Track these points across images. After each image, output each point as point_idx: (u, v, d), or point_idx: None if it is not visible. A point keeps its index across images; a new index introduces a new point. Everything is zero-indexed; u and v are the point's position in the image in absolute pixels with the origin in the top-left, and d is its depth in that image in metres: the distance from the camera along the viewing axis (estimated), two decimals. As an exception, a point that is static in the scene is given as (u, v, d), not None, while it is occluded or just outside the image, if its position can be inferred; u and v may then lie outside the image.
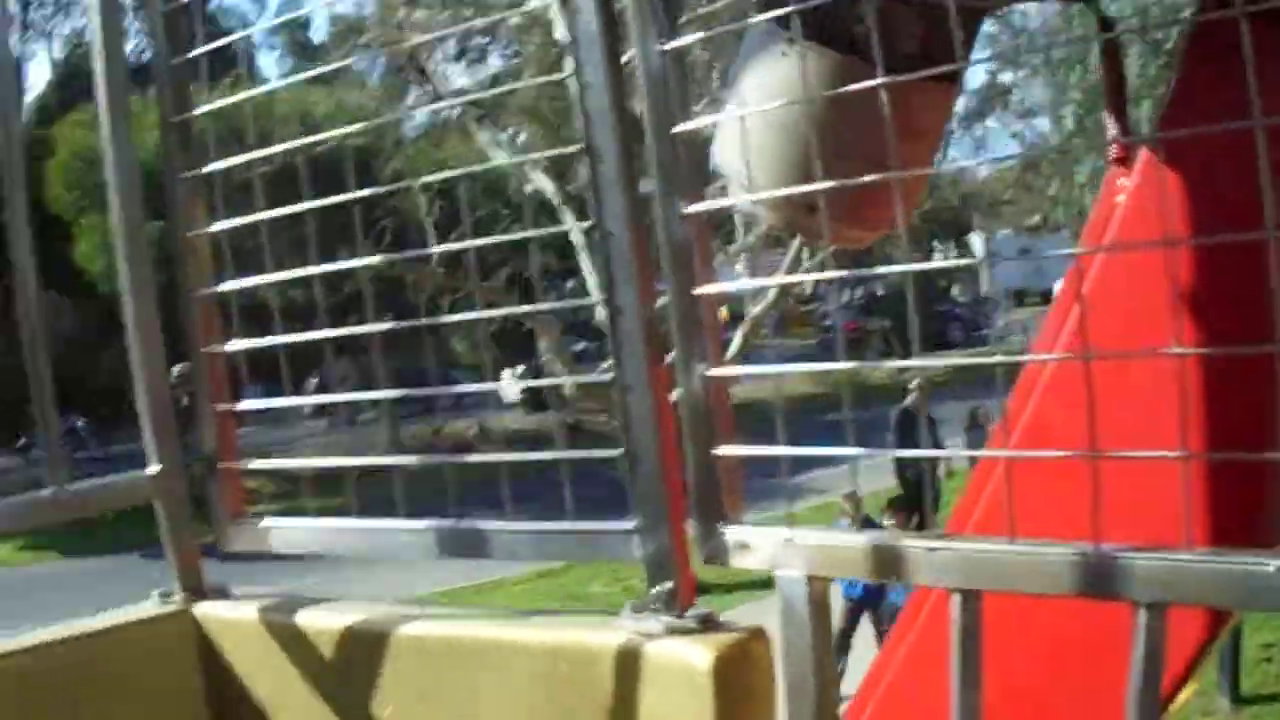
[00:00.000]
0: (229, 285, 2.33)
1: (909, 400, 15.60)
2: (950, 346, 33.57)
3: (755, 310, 14.80)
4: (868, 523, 10.68)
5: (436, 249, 2.86)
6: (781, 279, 14.80)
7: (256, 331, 2.32)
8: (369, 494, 2.25)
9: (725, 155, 2.17)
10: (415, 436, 30.71)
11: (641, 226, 1.80)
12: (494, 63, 18.73)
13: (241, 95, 2.40)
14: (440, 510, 2.07)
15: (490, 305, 16.87)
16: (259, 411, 2.45)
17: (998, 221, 32.89)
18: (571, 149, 1.89)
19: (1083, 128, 13.69)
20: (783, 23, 1.94)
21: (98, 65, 2.33)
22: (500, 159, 16.00)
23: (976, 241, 36.27)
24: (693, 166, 1.82)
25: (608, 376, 1.84)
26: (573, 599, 15.55)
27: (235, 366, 2.36)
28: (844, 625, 10.42)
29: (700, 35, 2.34)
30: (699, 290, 1.78)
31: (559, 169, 16.27)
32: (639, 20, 1.78)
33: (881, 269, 1.93)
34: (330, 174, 2.29)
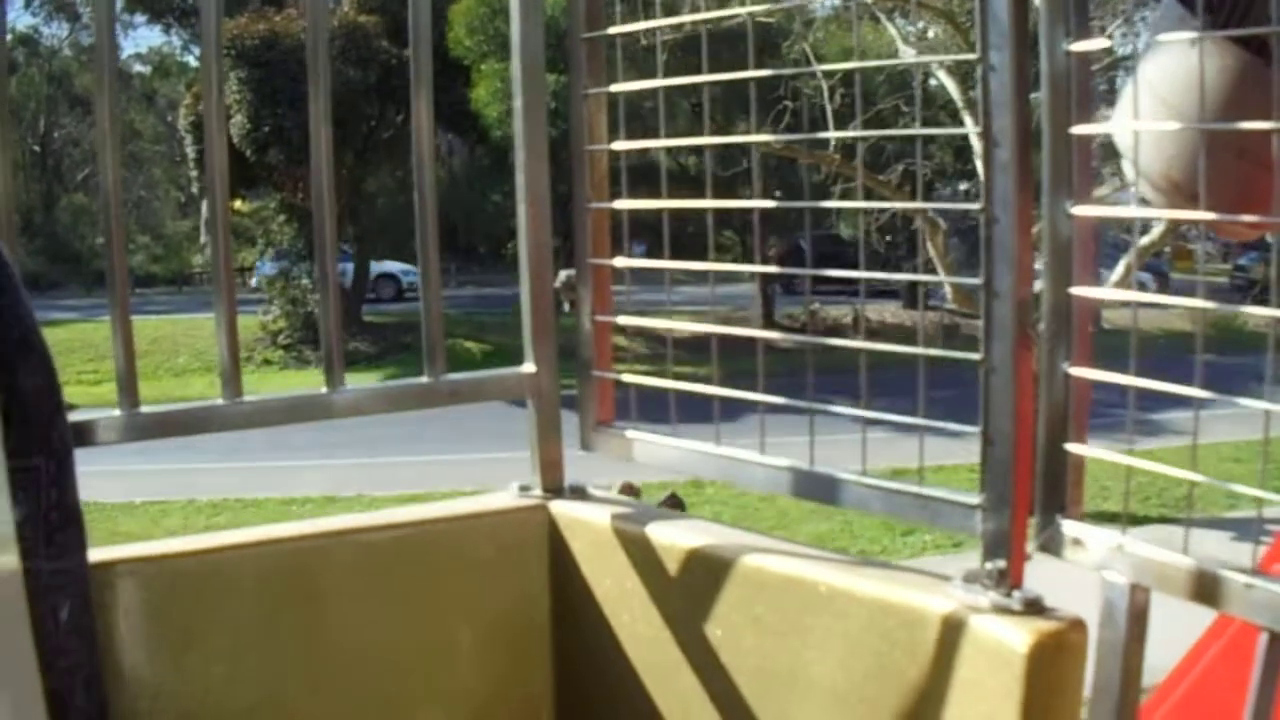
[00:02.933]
0: (624, 204, 2.44)
1: None
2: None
3: (1143, 240, 14.25)
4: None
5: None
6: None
7: (645, 192, 2.42)
8: (737, 365, 2.33)
9: (1121, 132, 2.17)
10: (790, 317, 30.99)
11: (1028, 213, 1.84)
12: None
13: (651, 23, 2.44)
14: (800, 393, 2.15)
15: (879, 199, 16.86)
16: (636, 271, 2.53)
17: None
18: (971, 129, 1.92)
19: None
20: (1195, 12, 1.93)
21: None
22: (906, 54, 15.78)
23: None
24: (1085, 165, 1.85)
25: (978, 281, 1.87)
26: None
27: (618, 224, 2.46)
28: None
29: (1107, 42, 2.32)
30: (1075, 290, 1.83)
31: (964, 71, 15.92)
32: (1048, 17, 1.80)
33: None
34: (735, 48, 2.34)
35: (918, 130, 2.20)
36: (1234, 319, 21.52)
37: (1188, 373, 1.78)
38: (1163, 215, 1.98)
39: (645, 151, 2.47)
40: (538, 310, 2.51)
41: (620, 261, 2.45)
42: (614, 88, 2.40)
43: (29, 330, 1.88)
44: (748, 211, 2.25)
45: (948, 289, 16.30)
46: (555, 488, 2.51)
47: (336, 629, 2.29)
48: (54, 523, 1.89)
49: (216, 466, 19.03)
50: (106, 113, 2.11)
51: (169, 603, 2.13)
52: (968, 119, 15.04)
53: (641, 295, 2.66)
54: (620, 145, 2.41)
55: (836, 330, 25.04)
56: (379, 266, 34.78)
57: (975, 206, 1.86)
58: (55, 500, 1.90)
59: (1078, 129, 1.81)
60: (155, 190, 49.26)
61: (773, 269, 18.62)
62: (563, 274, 2.45)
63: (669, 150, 2.39)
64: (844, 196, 17.09)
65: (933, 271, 16.18)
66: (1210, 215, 1.81)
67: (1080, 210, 1.82)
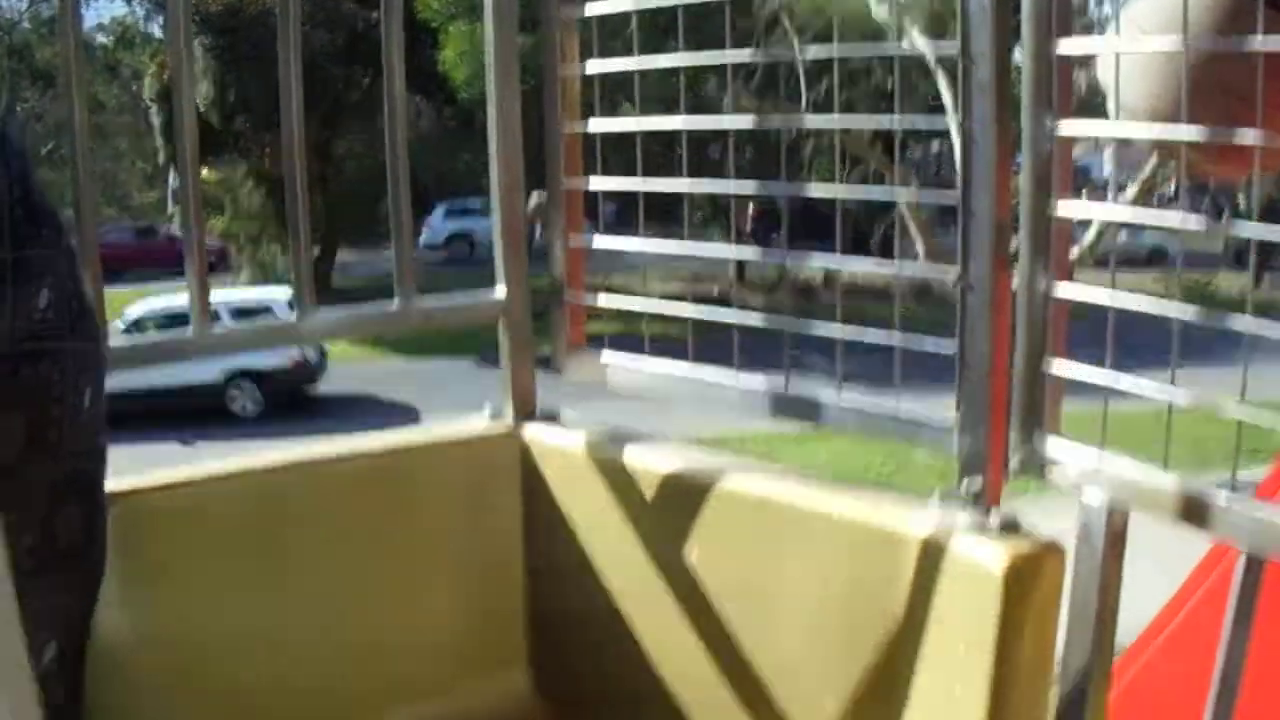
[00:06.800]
0: (596, 125, 2.41)
1: None
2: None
3: (1132, 190, 14.18)
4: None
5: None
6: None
7: (616, 151, 2.42)
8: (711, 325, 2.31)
9: (1105, 70, 2.15)
10: (762, 277, 30.98)
11: (1006, 133, 1.82)
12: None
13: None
14: (777, 352, 2.14)
15: (852, 156, 16.85)
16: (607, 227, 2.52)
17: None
18: (951, 46, 1.89)
19: None
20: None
21: None
22: (879, 11, 15.70)
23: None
24: (1066, 84, 1.83)
25: (953, 201, 1.87)
26: (894, 457, 15.65)
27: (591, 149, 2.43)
28: None
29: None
30: (1055, 210, 1.82)
31: (936, 29, 15.83)
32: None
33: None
34: (708, 5, 2.30)
35: (898, 117, 2.15)
36: (1204, 284, 21.61)
37: (1161, 338, 1.76)
38: (1144, 135, 1.96)
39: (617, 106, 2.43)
40: (509, 235, 2.48)
41: (594, 183, 2.42)
42: (588, 10, 2.36)
43: None
44: (719, 164, 2.23)
45: (921, 250, 16.27)
46: (527, 413, 2.49)
47: (308, 557, 2.27)
48: None
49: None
50: (75, 89, 2.06)
51: (139, 538, 2.08)
52: (941, 79, 15.00)
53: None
54: (594, 66, 2.38)
55: (809, 289, 25.04)
56: (453, 225, 34.47)
57: (952, 197, 1.84)
58: None
59: (1060, 47, 1.79)
60: (120, 162, 48.66)
61: (750, 250, 18.58)
62: (534, 195, 2.42)
63: (640, 104, 2.37)
64: (814, 152, 17.12)
65: (904, 227, 16.19)
66: (1193, 136, 1.78)
67: (1064, 128, 1.80)
